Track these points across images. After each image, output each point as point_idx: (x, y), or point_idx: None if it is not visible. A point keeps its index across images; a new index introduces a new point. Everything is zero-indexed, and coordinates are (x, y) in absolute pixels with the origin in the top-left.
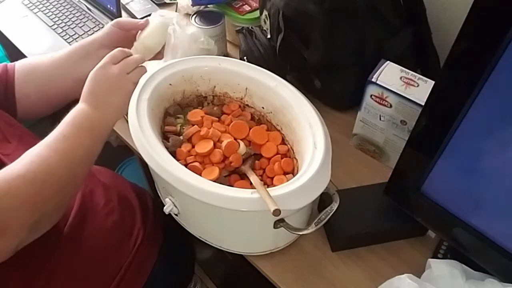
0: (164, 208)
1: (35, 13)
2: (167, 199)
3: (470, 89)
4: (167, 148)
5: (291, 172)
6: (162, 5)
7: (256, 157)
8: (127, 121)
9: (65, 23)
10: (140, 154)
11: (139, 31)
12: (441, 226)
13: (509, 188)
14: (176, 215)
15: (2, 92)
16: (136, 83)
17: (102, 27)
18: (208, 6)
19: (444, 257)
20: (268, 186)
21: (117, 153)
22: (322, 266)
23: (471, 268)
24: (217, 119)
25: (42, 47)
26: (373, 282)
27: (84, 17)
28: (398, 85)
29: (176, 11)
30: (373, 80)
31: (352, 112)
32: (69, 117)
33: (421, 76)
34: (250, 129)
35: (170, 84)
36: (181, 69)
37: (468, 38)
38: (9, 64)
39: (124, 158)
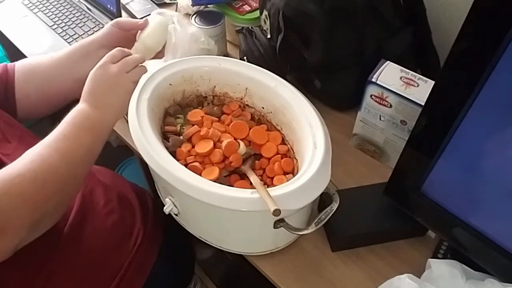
0: (164, 208)
1: (35, 13)
2: (167, 199)
3: (470, 89)
4: (167, 148)
5: (291, 172)
6: (162, 5)
7: (256, 157)
8: (127, 121)
9: (65, 23)
10: (140, 154)
11: (139, 31)
12: (441, 226)
13: (509, 188)
14: (176, 215)
15: (2, 92)
16: (136, 83)
17: (102, 27)
18: (208, 6)
19: (444, 257)
20: (268, 186)
21: (117, 153)
22: (322, 266)
23: (471, 268)
24: (217, 119)
25: (42, 47)
26: (373, 282)
27: (84, 17)
28: (398, 85)
29: (176, 11)
30: (373, 80)
31: (352, 112)
32: (69, 117)
33: (421, 76)
34: (250, 129)
35: (170, 84)
36: (181, 69)
37: (468, 38)
38: (9, 64)
39: (124, 158)
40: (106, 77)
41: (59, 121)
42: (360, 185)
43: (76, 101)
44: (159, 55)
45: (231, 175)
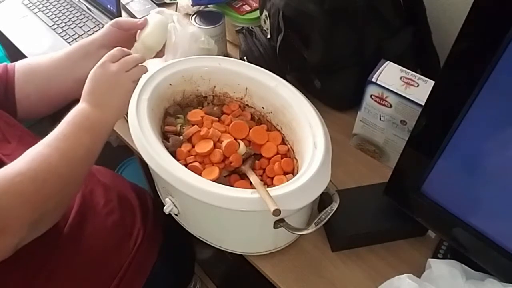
0: (164, 208)
1: (35, 13)
2: (167, 199)
3: (470, 89)
4: (167, 148)
5: (291, 172)
6: (162, 5)
7: (256, 157)
8: (127, 121)
9: (65, 23)
10: (140, 154)
11: (139, 31)
12: (441, 226)
13: (509, 188)
14: (176, 215)
15: (2, 92)
16: (136, 82)
17: (102, 27)
18: (208, 6)
19: (444, 257)
20: (268, 186)
21: (117, 153)
22: (322, 266)
23: (471, 268)
24: (217, 119)
25: (42, 47)
26: (373, 282)
27: (84, 17)
28: (398, 85)
29: (176, 11)
30: (373, 80)
31: (352, 112)
32: (69, 117)
33: (421, 76)
34: (250, 129)
35: (170, 84)
36: (181, 69)
37: (468, 38)
38: (9, 65)
39: (124, 158)
40: (106, 77)
41: (59, 121)
42: (360, 185)
43: (76, 101)
44: (159, 54)
45: (231, 175)
